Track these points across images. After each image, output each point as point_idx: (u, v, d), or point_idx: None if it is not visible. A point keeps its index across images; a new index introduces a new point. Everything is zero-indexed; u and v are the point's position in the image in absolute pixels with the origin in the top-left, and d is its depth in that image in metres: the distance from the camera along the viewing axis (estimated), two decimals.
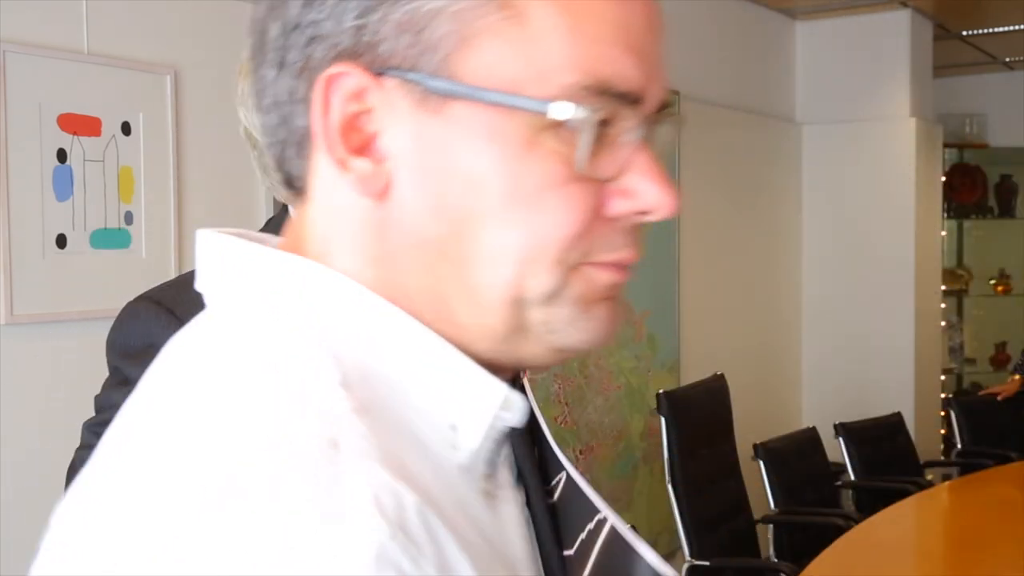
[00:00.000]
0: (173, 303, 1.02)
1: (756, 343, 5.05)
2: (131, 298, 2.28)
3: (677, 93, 4.30)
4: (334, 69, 0.54)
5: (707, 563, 3.29)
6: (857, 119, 5.25)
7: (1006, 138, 6.55)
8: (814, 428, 4.04)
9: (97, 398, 1.07)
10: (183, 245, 2.41)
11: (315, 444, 0.47)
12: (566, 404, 3.67)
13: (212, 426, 0.48)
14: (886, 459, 4.23)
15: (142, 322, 1.04)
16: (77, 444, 2.22)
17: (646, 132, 0.56)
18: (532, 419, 0.66)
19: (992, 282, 6.54)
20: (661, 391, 3.44)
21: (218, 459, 0.46)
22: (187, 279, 0.88)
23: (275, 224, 1.03)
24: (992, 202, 6.52)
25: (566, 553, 0.67)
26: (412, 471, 0.49)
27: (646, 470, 4.13)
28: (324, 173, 0.57)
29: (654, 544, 3.78)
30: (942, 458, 5.37)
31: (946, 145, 5.86)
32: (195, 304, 0.63)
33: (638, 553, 0.77)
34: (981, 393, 5.18)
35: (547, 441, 0.70)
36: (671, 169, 4.29)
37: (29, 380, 2.14)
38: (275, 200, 2.61)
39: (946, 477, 4.91)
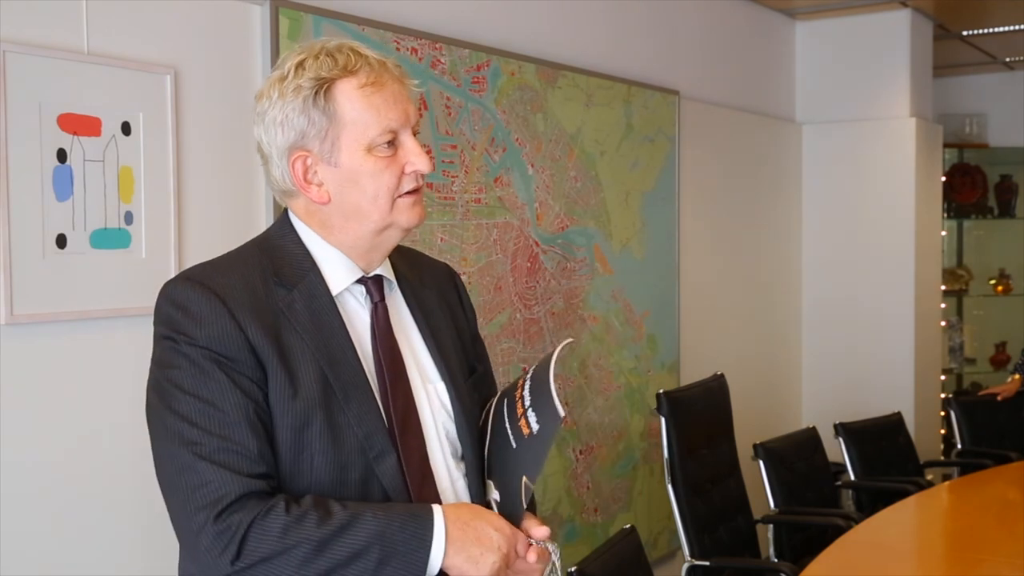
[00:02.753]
0: (202, 277, 1.39)
1: (756, 343, 5.05)
2: (131, 297, 2.28)
3: (677, 93, 4.31)
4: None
5: (707, 563, 3.29)
6: (857, 119, 5.26)
7: (1006, 138, 6.55)
8: (814, 428, 4.04)
9: (157, 361, 1.39)
10: (183, 245, 2.41)
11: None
12: (566, 404, 3.67)
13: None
14: (886, 459, 4.23)
15: (179, 293, 1.38)
16: (76, 445, 2.22)
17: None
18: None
19: (992, 282, 6.54)
20: (661, 391, 3.44)
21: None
22: (213, 261, 1.44)
23: None
24: (992, 202, 6.52)
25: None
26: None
27: (646, 470, 4.13)
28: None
29: (654, 544, 3.77)
30: (942, 458, 5.37)
31: (946, 145, 5.87)
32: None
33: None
34: (981, 393, 5.18)
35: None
36: (671, 170, 4.29)
37: (29, 380, 2.14)
38: (274, 200, 2.61)
39: (946, 477, 4.91)
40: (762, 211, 5.09)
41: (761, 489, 3.67)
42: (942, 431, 5.51)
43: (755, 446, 3.70)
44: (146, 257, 2.32)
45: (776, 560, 3.57)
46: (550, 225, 3.59)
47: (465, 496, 1.51)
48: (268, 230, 1.51)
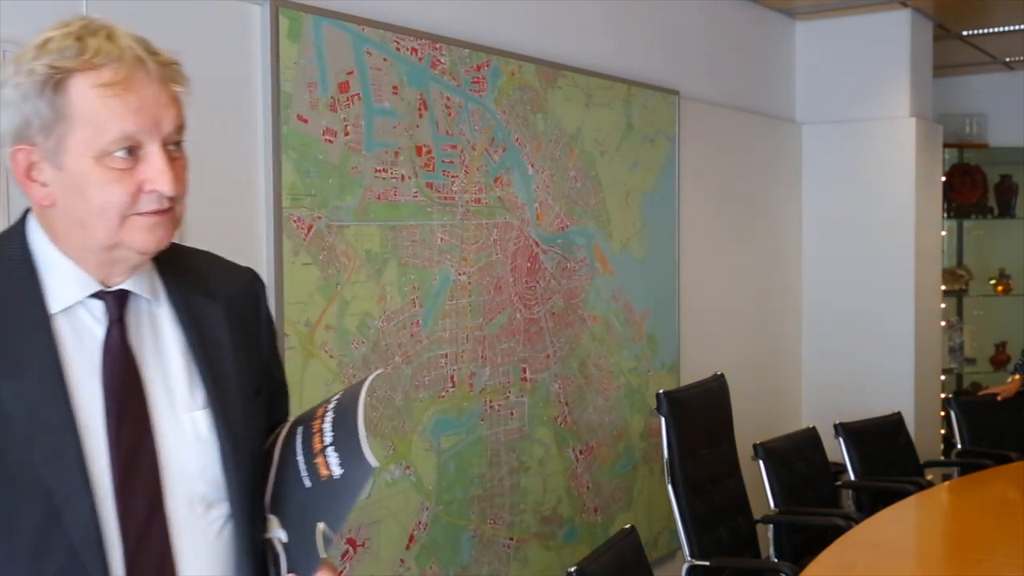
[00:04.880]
0: None
1: (756, 343, 5.05)
2: None
3: (677, 93, 4.31)
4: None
5: (707, 563, 3.29)
6: (857, 119, 5.26)
7: (1006, 138, 6.55)
8: (814, 428, 4.04)
9: None
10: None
11: None
12: (566, 404, 3.67)
13: None
14: (886, 459, 4.23)
15: None
16: None
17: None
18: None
19: (992, 282, 6.55)
20: (661, 391, 3.44)
21: None
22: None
23: None
24: (992, 202, 6.53)
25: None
26: None
27: (646, 470, 4.13)
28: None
29: (654, 544, 3.77)
30: (942, 458, 5.37)
31: (946, 145, 5.87)
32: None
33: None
34: (981, 393, 5.18)
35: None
36: (671, 170, 4.29)
37: None
38: (275, 201, 2.61)
39: (946, 477, 4.91)
40: (762, 211, 5.09)
41: (761, 489, 3.67)
42: (942, 431, 5.51)
43: (755, 446, 3.70)
44: None
45: (776, 560, 3.57)
46: (550, 225, 3.59)
47: (216, 540, 1.30)
48: (8, 228, 1.33)
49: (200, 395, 1.31)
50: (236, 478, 1.30)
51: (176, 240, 2.38)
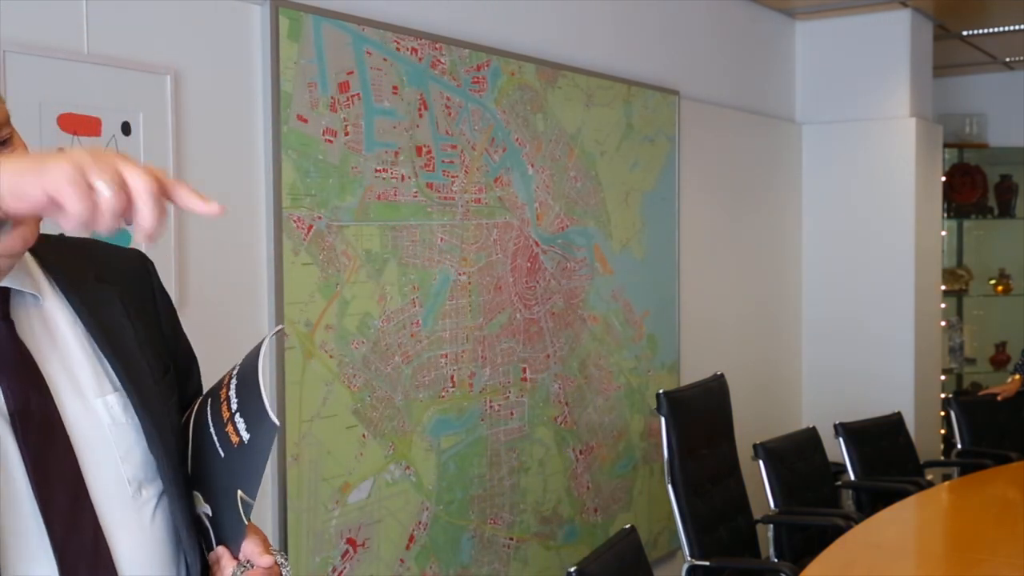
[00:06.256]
0: None
1: (756, 343, 5.06)
2: None
3: (677, 93, 4.31)
4: None
5: (707, 563, 3.29)
6: (857, 119, 5.26)
7: (1006, 138, 6.56)
8: (814, 428, 4.05)
9: None
10: (183, 245, 2.41)
11: None
12: (566, 404, 3.67)
13: None
14: (886, 459, 4.24)
15: None
16: None
17: None
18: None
19: (992, 282, 6.55)
20: (661, 391, 3.44)
21: None
22: None
23: None
24: (992, 202, 6.53)
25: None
26: None
27: (646, 470, 4.13)
28: None
29: (654, 544, 3.76)
30: (942, 458, 5.37)
31: (946, 145, 5.87)
32: None
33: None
34: (981, 393, 5.18)
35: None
36: (671, 170, 4.28)
37: None
38: (275, 200, 2.61)
39: (946, 477, 4.92)
40: (762, 211, 5.09)
41: (761, 489, 3.68)
42: (942, 431, 5.51)
43: (755, 446, 3.70)
44: None
45: (776, 560, 3.57)
46: (550, 225, 3.59)
47: (151, 520, 1.27)
48: None
49: (108, 379, 1.27)
50: (163, 454, 1.27)
51: (175, 239, 2.39)
